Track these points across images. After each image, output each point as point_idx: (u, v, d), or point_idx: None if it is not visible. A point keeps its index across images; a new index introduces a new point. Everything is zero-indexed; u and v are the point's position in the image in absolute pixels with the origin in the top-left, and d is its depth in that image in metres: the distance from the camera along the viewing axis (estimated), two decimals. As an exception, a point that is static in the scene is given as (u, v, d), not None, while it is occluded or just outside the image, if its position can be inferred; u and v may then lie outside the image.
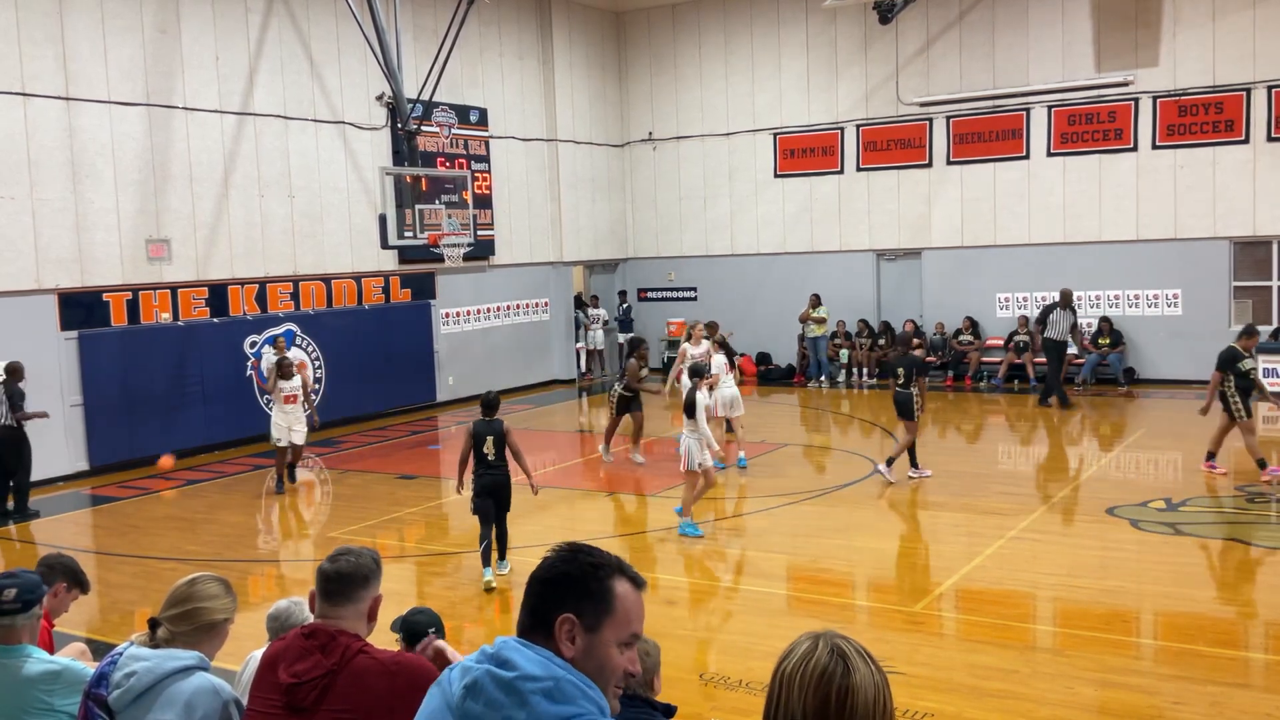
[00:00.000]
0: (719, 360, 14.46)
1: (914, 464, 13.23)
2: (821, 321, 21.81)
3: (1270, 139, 18.57)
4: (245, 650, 4.86)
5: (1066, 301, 18.35)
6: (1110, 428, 16.72)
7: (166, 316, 16.18)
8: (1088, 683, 7.01)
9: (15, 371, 12.92)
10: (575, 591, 2.38)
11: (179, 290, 16.33)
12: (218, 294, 16.86)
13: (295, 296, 18.00)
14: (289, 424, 13.80)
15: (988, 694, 6.89)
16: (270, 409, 14.50)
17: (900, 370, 13.18)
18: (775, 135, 23.07)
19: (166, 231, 16.17)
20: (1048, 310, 18.61)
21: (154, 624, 3.55)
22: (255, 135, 17.34)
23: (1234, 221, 19.03)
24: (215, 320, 16.76)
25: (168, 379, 15.79)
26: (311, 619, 4.71)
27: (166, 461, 13.44)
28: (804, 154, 22.84)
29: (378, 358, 19.00)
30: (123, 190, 15.57)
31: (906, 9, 20.09)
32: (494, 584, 9.40)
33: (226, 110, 16.91)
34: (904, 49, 21.50)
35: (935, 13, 21.09)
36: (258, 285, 17.43)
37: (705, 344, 14.91)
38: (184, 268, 16.42)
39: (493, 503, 9.62)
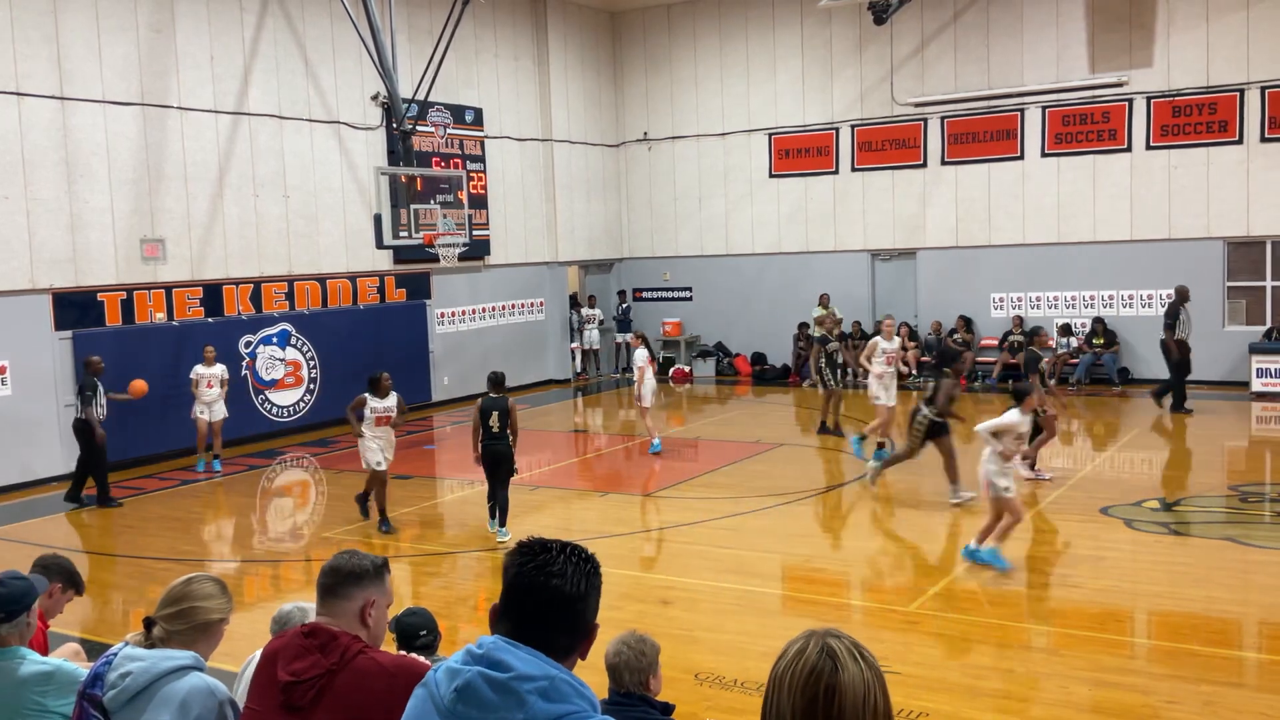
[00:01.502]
0: (641, 354, 15.64)
1: (1032, 466, 12.99)
2: (822, 322, 21.74)
3: (1264, 139, 18.62)
4: (242, 650, 4.86)
5: (1185, 298, 17.40)
6: (1104, 428, 16.75)
7: (161, 316, 16.16)
8: (1083, 682, 7.03)
9: (87, 365, 13.34)
10: (596, 599, 2.45)
11: (173, 290, 16.31)
12: (212, 294, 16.85)
13: (290, 296, 17.99)
14: (382, 447, 11.72)
15: (983, 693, 6.90)
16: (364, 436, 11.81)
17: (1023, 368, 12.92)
18: (770, 135, 23.09)
19: (161, 231, 16.15)
20: (1175, 309, 17.28)
21: (149, 624, 3.55)
22: (250, 135, 17.32)
23: (1228, 222, 19.08)
24: (210, 320, 16.74)
25: (162, 379, 15.76)
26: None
27: (139, 386, 13.93)
28: (799, 154, 22.86)
29: (373, 358, 18.90)
30: (117, 190, 15.55)
31: (901, 9, 20.11)
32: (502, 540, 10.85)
33: (221, 110, 16.90)
34: (899, 50, 21.52)
35: (930, 13, 21.12)
36: (252, 285, 17.42)
37: (897, 340, 15.89)
38: (178, 267, 16.41)
39: (495, 472, 10.99)
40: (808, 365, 22.42)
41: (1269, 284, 19.10)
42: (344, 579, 3.32)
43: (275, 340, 17.62)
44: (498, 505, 11.04)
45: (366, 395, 11.55)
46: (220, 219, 16.95)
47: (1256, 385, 18.21)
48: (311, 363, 18.16)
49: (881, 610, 8.75)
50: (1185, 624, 8.12)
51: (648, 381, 15.46)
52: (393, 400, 11.69)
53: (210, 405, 15.18)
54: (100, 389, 13.24)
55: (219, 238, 16.95)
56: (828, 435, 16.16)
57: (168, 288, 16.23)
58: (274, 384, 17.60)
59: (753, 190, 23.45)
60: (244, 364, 17.09)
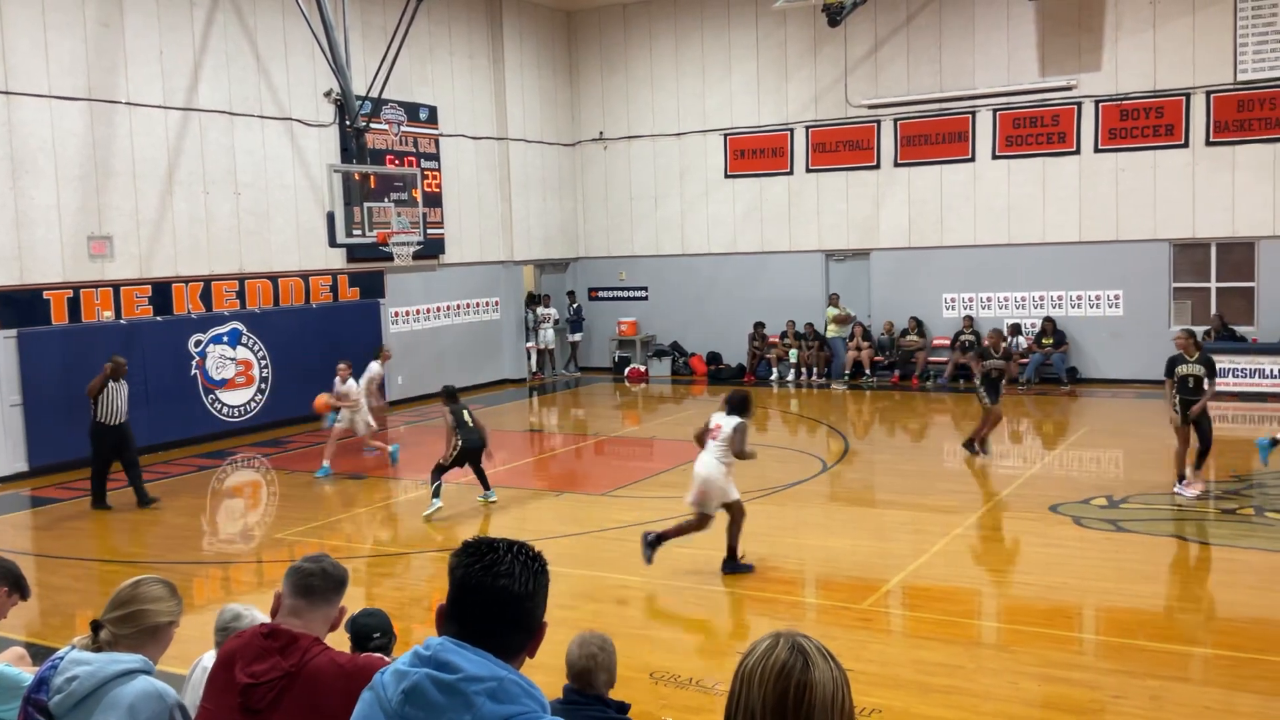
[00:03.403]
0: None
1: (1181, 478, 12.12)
2: (844, 321, 21.58)
3: (1209, 143, 18.97)
4: (191, 653, 4.80)
5: None
6: (1053, 426, 16.99)
7: (109, 315, 15.91)
8: (1032, 678, 7.13)
9: (111, 364, 12.91)
10: (544, 598, 2.44)
11: (121, 288, 16.06)
12: (161, 292, 16.61)
13: (241, 295, 17.78)
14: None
15: (934, 689, 6.97)
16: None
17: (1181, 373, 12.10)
18: (726, 136, 23.17)
19: (109, 228, 15.90)
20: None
21: (96, 627, 3.50)
22: (200, 131, 17.10)
23: (1173, 224, 19.42)
24: (159, 319, 16.51)
25: (110, 378, 15.49)
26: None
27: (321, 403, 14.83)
28: (754, 155, 22.96)
29: (326, 357, 18.73)
30: (64, 186, 15.29)
31: (855, 12, 20.27)
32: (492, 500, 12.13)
33: (171, 106, 16.66)
34: (852, 52, 21.69)
35: (883, 16, 21.30)
36: (202, 283, 17.20)
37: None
38: (127, 265, 16.15)
39: (475, 459, 12.06)
40: (763, 364, 22.57)
41: (1213, 285, 19.46)
42: (332, 584, 3.34)
43: (226, 339, 17.40)
44: (478, 476, 12.25)
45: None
46: (170, 216, 16.72)
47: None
48: (263, 362, 17.96)
49: (835, 608, 8.81)
50: (1132, 620, 8.25)
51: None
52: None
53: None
54: (112, 389, 12.66)
55: (168, 235, 16.72)
56: (973, 453, 14.16)
57: (116, 286, 15.98)
58: (224, 383, 17.39)
59: (708, 190, 23.51)
60: (194, 363, 16.86)
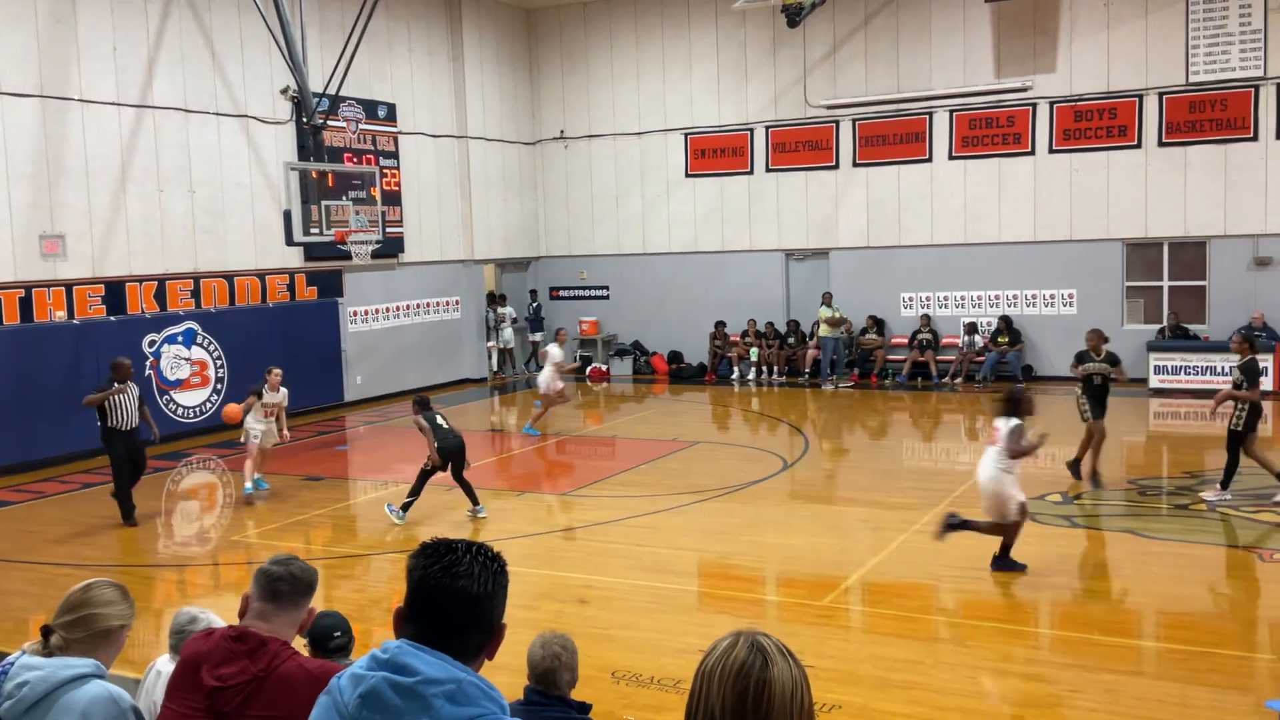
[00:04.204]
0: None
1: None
2: (836, 323, 21.15)
3: (1161, 144, 19.26)
4: (145, 657, 4.74)
5: None
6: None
7: (61, 315, 15.66)
8: (989, 672, 7.20)
9: (111, 368, 12.05)
10: (503, 599, 2.42)
11: (74, 288, 15.82)
12: (115, 291, 16.38)
13: (196, 294, 17.57)
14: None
15: (893, 685, 7.03)
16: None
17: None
18: (686, 135, 23.21)
19: (61, 227, 15.65)
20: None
21: (47, 631, 3.44)
22: (154, 128, 16.88)
23: (1126, 224, 19.70)
24: (112, 319, 16.27)
25: (63, 379, 15.27)
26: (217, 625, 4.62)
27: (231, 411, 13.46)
28: (714, 154, 23.02)
29: (283, 357, 18.50)
30: (15, 184, 15.03)
31: (813, 13, 20.37)
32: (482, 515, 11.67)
33: (124, 103, 16.44)
34: (811, 52, 21.80)
35: (841, 17, 21.42)
36: (157, 283, 16.98)
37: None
38: (79, 264, 15.91)
39: (457, 463, 11.63)
40: (724, 362, 22.64)
41: (1165, 284, 19.76)
42: (300, 588, 3.31)
43: (180, 339, 17.19)
44: (465, 490, 11.75)
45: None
46: (123, 215, 16.49)
47: (1154, 382, 18.84)
48: (219, 362, 17.76)
49: (796, 605, 8.86)
50: (1087, 614, 8.36)
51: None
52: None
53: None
54: (120, 393, 11.81)
55: (122, 234, 16.49)
56: (1079, 480, 12.47)
57: (68, 285, 15.73)
58: (179, 384, 17.18)
59: (669, 190, 23.54)
60: (148, 364, 16.64)
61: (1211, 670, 7.14)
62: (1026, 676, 7.14)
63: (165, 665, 4.63)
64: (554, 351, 16.82)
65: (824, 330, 21.09)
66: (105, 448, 12.11)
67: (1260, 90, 18.50)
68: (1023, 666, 7.31)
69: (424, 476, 11.69)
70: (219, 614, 4.81)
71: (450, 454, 11.65)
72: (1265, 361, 18.01)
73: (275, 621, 3.24)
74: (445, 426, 11.81)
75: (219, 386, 17.68)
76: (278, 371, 13.28)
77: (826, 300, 21.35)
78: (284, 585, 3.27)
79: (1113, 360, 12.50)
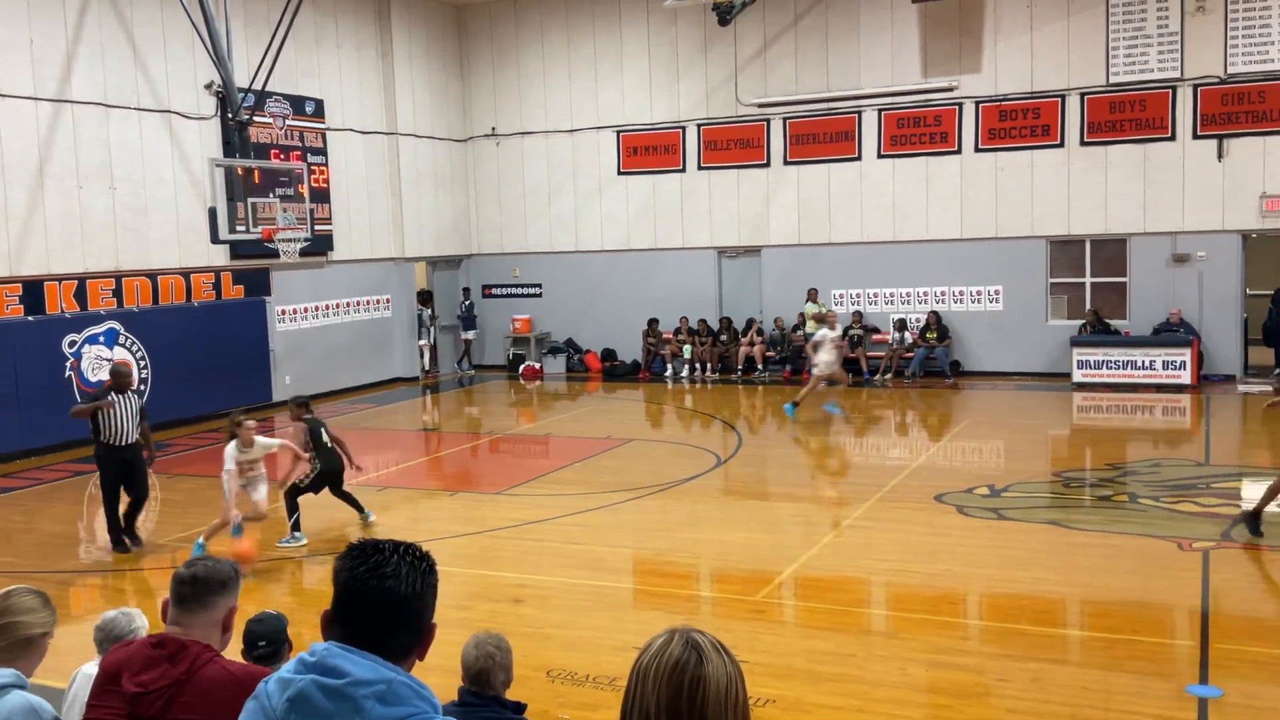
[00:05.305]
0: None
1: None
2: (822, 319, 20.36)
3: (1083, 143, 19.69)
4: (68, 666, 4.63)
5: None
6: (938, 418, 17.46)
7: (-25, 315, 15.20)
8: (919, 663, 7.31)
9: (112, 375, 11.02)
10: (433, 598, 2.40)
11: (-11, 287, 15.37)
12: (32, 291, 15.94)
13: (118, 293, 17.16)
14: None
15: (825, 678, 7.10)
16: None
17: None
18: (618, 133, 23.21)
19: (-26, 224, 15.19)
20: None
21: (-36, 642, 3.34)
22: (73, 123, 16.46)
23: (1050, 222, 20.11)
24: (30, 319, 15.84)
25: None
26: (142, 629, 4.53)
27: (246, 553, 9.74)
28: (646, 152, 23.05)
29: (209, 357, 18.28)
30: (-76, 180, 14.56)
31: (744, 12, 20.49)
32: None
33: (41, 97, 16.00)
34: (742, 51, 21.93)
35: (771, 16, 21.58)
36: (76, 282, 16.56)
37: None
38: (-5, 263, 15.47)
39: (336, 483, 10.90)
40: (657, 360, 22.68)
41: (1088, 280, 20.22)
42: (213, 588, 3.24)
43: (102, 340, 16.79)
44: (349, 502, 11.04)
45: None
46: (40, 212, 16.05)
47: (1077, 376, 19.26)
48: (142, 363, 17.37)
49: (730, 601, 8.92)
50: (1014, 605, 8.52)
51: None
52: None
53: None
54: (116, 404, 10.64)
55: (39, 231, 16.05)
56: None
57: (-17, 284, 15.28)
58: (101, 385, 16.74)
59: (601, 187, 23.53)
60: (68, 365, 16.23)
61: (1134, 657, 7.32)
62: (955, 667, 7.26)
63: (92, 669, 4.53)
64: (826, 334, 17.19)
65: (810, 326, 20.96)
66: (97, 466, 10.90)
67: (1177, 91, 18.99)
68: (951, 657, 7.43)
69: (294, 494, 10.65)
70: (148, 616, 4.72)
71: (328, 478, 10.78)
72: (1182, 356, 18.57)
73: (192, 625, 3.19)
74: (328, 444, 10.74)
75: (142, 388, 17.30)
76: (251, 424, 10.45)
77: (812, 296, 21.27)
78: (187, 589, 3.22)
79: None
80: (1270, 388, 18.15)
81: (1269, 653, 7.47)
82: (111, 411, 10.60)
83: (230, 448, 10.34)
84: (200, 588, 3.22)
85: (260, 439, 10.55)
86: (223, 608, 3.25)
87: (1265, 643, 7.64)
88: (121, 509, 10.91)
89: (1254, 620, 8.09)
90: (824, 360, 17.07)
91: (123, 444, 10.71)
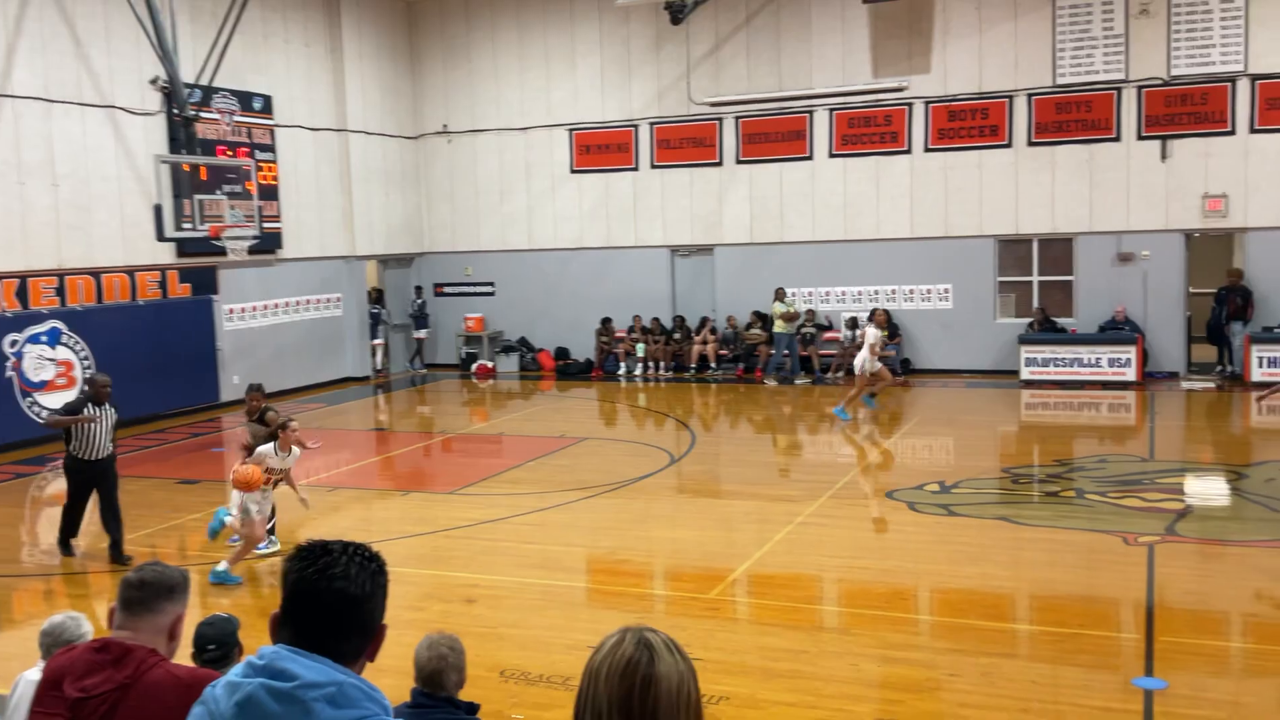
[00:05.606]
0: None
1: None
2: (791, 318, 20.80)
3: (1030, 144, 19.94)
4: (10, 671, 4.53)
5: None
6: (889, 415, 17.59)
7: (-88, 314, 14.85)
8: (871, 659, 7.37)
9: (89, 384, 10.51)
10: (383, 599, 2.39)
11: (-74, 285, 15.02)
12: (-28, 289, 15.60)
13: (61, 292, 16.83)
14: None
15: (778, 675, 7.13)
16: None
17: None
18: (571, 131, 23.16)
19: (-89, 221, 14.83)
20: None
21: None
22: (14, 118, 16.11)
23: (998, 221, 20.35)
24: (-31, 317, 15.51)
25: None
26: (89, 634, 4.45)
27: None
28: (599, 150, 23.02)
29: (154, 357, 17.98)
30: None
31: (696, 11, 20.53)
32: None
33: (-20, 91, 15.67)
34: (694, 50, 21.97)
35: (724, 15, 21.63)
36: (18, 280, 16.22)
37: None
38: (-68, 261, 15.11)
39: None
40: (610, 358, 22.67)
41: (1035, 279, 20.49)
42: (156, 592, 3.18)
43: (44, 339, 16.46)
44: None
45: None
46: (-20, 208, 15.71)
47: (1025, 373, 19.51)
48: (86, 363, 17.05)
49: (684, 599, 8.93)
50: (964, 600, 8.62)
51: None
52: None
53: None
54: (93, 414, 10.17)
55: (-21, 228, 15.71)
56: None
57: (-80, 282, 14.93)
58: (43, 385, 16.45)
59: (554, 185, 23.46)
60: (9, 365, 15.90)
61: (1081, 651, 7.43)
62: (907, 662, 7.33)
63: (36, 675, 4.44)
64: (871, 333, 16.69)
65: (779, 326, 20.93)
66: (65, 476, 10.50)
67: (1122, 92, 19.30)
68: (903, 652, 7.50)
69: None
70: (92, 620, 4.63)
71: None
72: (1127, 354, 18.89)
73: (136, 629, 3.13)
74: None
75: (85, 389, 16.98)
76: (296, 426, 9.85)
77: (780, 295, 21.09)
78: (134, 593, 3.17)
79: None
80: (1213, 385, 18.53)
81: (1212, 644, 7.63)
82: (86, 425, 10.15)
83: (267, 448, 9.46)
84: (147, 593, 3.17)
85: (296, 448, 9.75)
86: (170, 614, 3.20)
87: (1208, 635, 7.79)
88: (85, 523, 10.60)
89: (1197, 613, 8.24)
90: (859, 360, 16.67)
91: (95, 458, 10.28)
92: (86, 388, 10.36)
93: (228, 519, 10.02)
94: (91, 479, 10.33)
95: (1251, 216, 18.81)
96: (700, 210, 22.37)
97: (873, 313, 18.27)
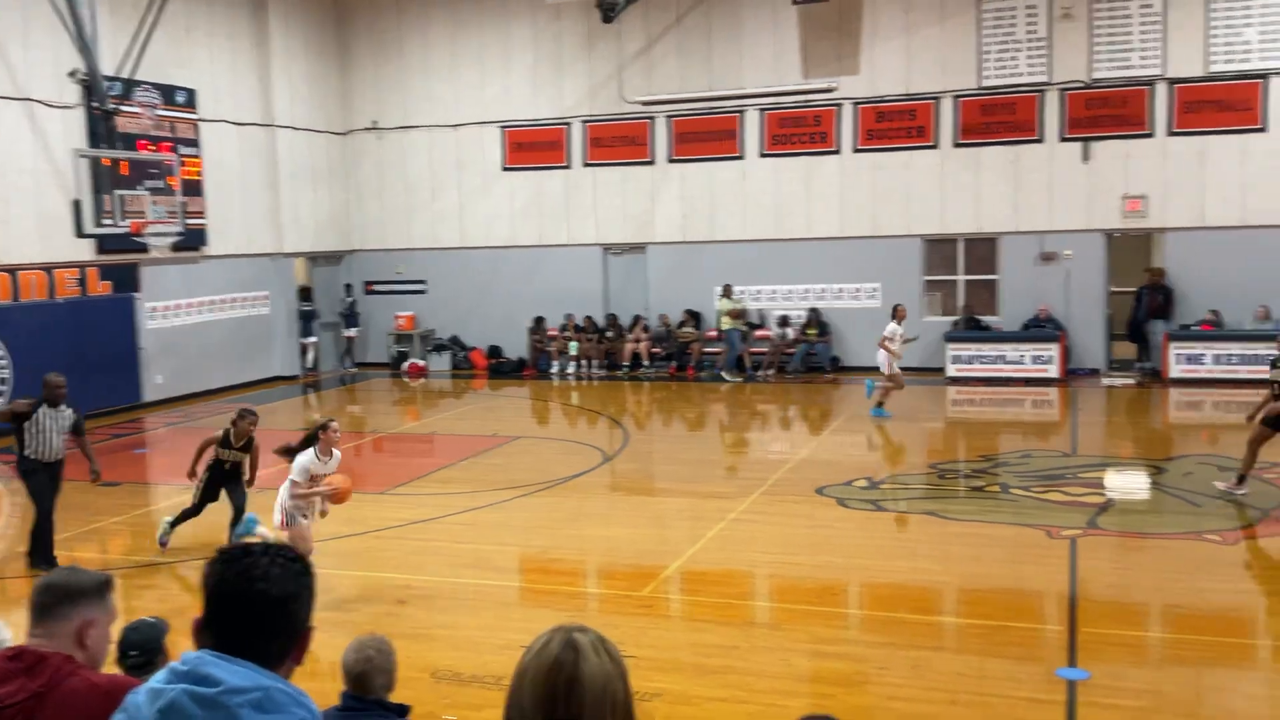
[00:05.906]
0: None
1: None
2: (737, 315, 20.78)
3: (956, 145, 20.27)
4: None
5: None
6: (818, 413, 17.79)
7: None
8: (802, 654, 7.44)
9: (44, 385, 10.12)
10: (309, 600, 2.34)
11: None
12: (-120, 286, 15.08)
13: (-24, 289, 16.35)
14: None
15: (710, 671, 7.17)
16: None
17: None
18: (503, 128, 23.03)
19: None
20: None
21: None
22: (-76, 110, 15.61)
23: (925, 220, 20.66)
24: (-122, 316, 14.98)
25: None
26: (8, 639, 4.31)
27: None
28: (531, 148, 22.92)
29: (74, 356, 17.49)
30: None
31: (627, 10, 20.54)
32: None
33: (-112, 81, 15.14)
34: (626, 48, 21.97)
35: (655, 15, 21.67)
36: (-70, 277, 15.72)
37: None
38: None
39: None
40: (543, 357, 22.60)
41: (960, 278, 20.84)
42: (61, 597, 3.07)
43: (-42, 338, 15.97)
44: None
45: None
46: (-111, 203, 15.18)
47: (951, 370, 19.83)
48: (2, 363, 16.58)
49: (617, 597, 8.94)
50: (893, 594, 8.74)
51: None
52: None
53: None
54: (44, 417, 9.91)
55: (-113, 224, 15.18)
56: None
57: None
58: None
59: (486, 183, 23.31)
60: (-79, 364, 15.39)
61: (1008, 643, 7.58)
62: (837, 656, 7.41)
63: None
64: (890, 328, 16.44)
65: (725, 323, 20.95)
66: (23, 479, 10.10)
67: (1045, 95, 19.70)
68: (833, 647, 7.58)
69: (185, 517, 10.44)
70: (14, 627, 4.50)
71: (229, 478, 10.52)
72: (1050, 351, 19.29)
73: (52, 637, 3.04)
74: (229, 467, 10.45)
75: (3, 389, 16.52)
76: (337, 427, 9.31)
77: (727, 292, 21.15)
78: (39, 598, 3.08)
79: None
80: (1133, 381, 19.00)
81: (1133, 635, 7.83)
82: (38, 425, 9.86)
83: (306, 456, 8.87)
84: (49, 597, 3.06)
85: (337, 451, 9.11)
86: (75, 620, 3.06)
87: (1129, 626, 8.00)
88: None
89: (1118, 605, 8.44)
90: (880, 358, 16.48)
91: (50, 460, 10.00)
92: (42, 388, 10.10)
93: (258, 528, 10.00)
94: (51, 479, 10.10)
95: (1170, 217, 19.31)
96: (632, 209, 22.39)
97: (895, 308, 17.22)
